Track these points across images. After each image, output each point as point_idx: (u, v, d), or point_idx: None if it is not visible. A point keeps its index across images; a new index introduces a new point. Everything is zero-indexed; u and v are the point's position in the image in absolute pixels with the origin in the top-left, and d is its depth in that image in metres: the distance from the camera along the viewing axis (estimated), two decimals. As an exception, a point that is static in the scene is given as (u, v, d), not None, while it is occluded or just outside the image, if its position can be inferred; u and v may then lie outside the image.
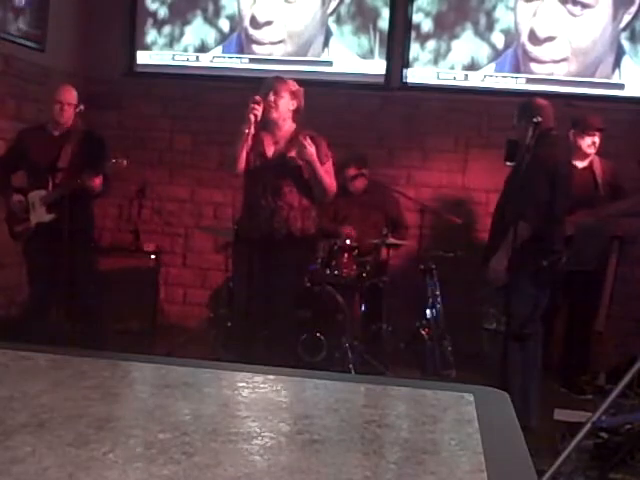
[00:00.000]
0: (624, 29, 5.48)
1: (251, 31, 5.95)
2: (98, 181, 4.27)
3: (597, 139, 4.69)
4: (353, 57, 5.83)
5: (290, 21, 5.89)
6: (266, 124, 4.01)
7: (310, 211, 4.10)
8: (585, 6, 5.46)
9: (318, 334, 4.65)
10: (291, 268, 4.07)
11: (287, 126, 4.07)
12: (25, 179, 4.47)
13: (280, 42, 5.91)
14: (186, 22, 6.05)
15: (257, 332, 3.99)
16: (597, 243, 4.69)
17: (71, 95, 4.45)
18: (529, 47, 5.57)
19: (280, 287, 4.03)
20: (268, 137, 4.06)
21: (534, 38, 5.56)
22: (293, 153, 3.99)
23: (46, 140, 4.38)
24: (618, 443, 3.44)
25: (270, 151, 4.05)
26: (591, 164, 4.76)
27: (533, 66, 5.59)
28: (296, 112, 4.07)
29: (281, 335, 4.10)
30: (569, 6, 5.47)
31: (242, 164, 3.98)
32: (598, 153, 4.75)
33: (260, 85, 4.07)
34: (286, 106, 4.02)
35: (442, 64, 5.72)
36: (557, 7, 5.50)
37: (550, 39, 5.52)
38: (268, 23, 5.92)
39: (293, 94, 4.04)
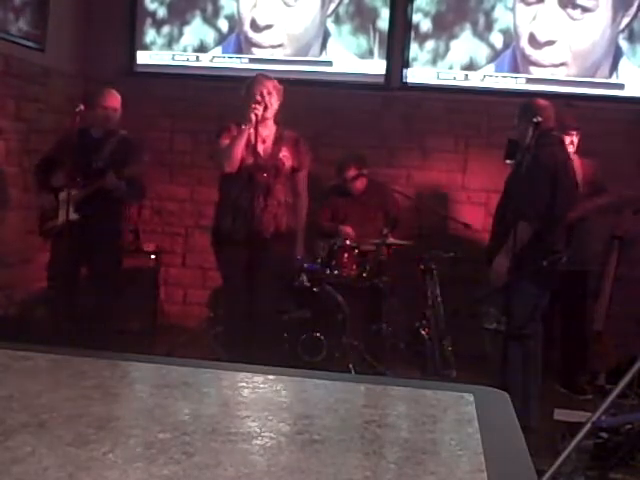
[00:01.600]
0: (622, 30, 5.48)
1: (251, 34, 5.94)
2: (118, 184, 4.34)
3: (575, 138, 4.67)
4: (353, 57, 5.83)
5: (290, 24, 5.88)
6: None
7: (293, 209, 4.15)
8: (585, 10, 5.46)
9: (318, 334, 4.65)
10: (279, 266, 4.09)
11: (271, 124, 4.09)
12: (62, 179, 4.54)
13: (279, 46, 5.90)
14: (185, 22, 6.05)
15: (251, 332, 3.99)
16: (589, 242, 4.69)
17: (116, 101, 4.59)
18: (528, 50, 5.57)
19: (269, 285, 4.04)
20: (255, 135, 4.05)
21: (534, 41, 5.55)
22: (281, 152, 4.01)
23: (86, 142, 4.47)
24: (618, 443, 3.44)
25: (258, 149, 4.04)
26: None
27: (532, 69, 5.59)
28: (278, 111, 4.09)
29: (275, 334, 4.11)
30: (569, 10, 5.47)
31: (237, 163, 3.98)
32: (578, 152, 4.72)
33: (246, 83, 4.06)
34: (275, 104, 4.03)
35: (441, 64, 5.71)
36: (557, 11, 5.49)
37: (550, 43, 5.52)
38: (268, 27, 5.91)
39: (278, 92, 4.05)
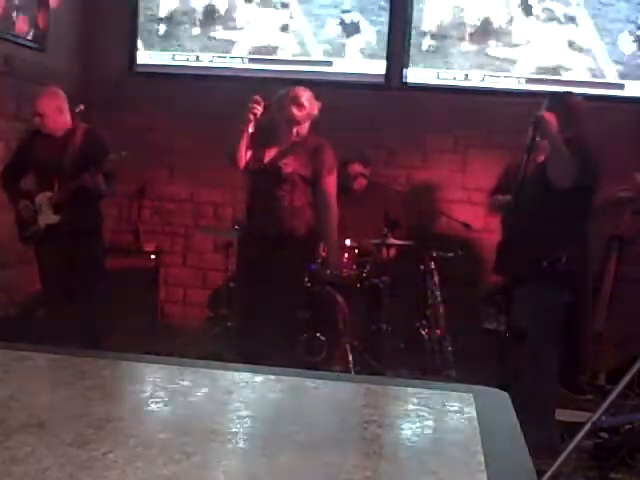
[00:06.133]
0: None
1: (250, 27, 5.95)
2: (99, 179, 4.24)
3: None
4: (353, 56, 5.83)
5: (291, 19, 5.89)
6: (277, 131, 4.04)
7: (307, 212, 4.14)
8: None
9: (318, 334, 4.65)
10: (292, 268, 4.10)
11: (302, 132, 4.11)
12: (33, 182, 4.47)
13: (278, 37, 5.91)
14: (185, 20, 6.05)
15: (259, 332, 4.00)
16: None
17: (50, 104, 4.33)
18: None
19: (280, 288, 4.05)
20: (255, 136, 4.07)
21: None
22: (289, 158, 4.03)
23: (49, 142, 4.35)
24: (618, 443, 3.44)
25: (264, 152, 4.06)
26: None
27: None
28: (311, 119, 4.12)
29: (282, 335, 4.11)
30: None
31: (242, 161, 4.00)
32: None
33: (279, 96, 4.09)
34: (308, 117, 4.07)
35: (441, 61, 5.71)
36: None
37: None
38: (268, 20, 5.92)
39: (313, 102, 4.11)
